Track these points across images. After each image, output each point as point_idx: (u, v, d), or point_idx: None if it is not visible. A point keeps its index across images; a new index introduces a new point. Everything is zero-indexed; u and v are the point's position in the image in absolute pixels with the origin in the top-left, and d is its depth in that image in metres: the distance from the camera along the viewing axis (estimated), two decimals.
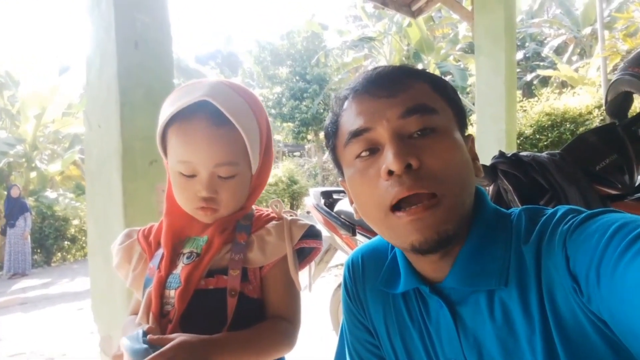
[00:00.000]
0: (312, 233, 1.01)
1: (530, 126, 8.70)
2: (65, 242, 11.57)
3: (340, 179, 0.86)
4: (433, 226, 0.68)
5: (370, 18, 19.12)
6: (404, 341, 0.84)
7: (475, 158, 0.78)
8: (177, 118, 0.92)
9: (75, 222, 11.56)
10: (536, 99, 10.62)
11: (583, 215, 0.66)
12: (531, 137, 8.58)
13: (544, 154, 1.72)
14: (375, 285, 0.88)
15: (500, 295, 0.70)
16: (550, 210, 0.72)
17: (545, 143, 8.37)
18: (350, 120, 0.75)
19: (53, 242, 11.23)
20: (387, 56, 16.97)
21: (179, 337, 0.82)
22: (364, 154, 0.73)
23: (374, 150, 0.73)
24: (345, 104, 0.78)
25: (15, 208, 9.66)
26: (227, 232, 0.98)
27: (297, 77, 21.90)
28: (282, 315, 0.96)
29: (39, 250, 11.12)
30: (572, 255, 0.62)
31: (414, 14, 5.60)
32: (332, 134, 0.81)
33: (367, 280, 0.91)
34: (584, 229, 0.63)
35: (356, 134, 0.73)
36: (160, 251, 0.99)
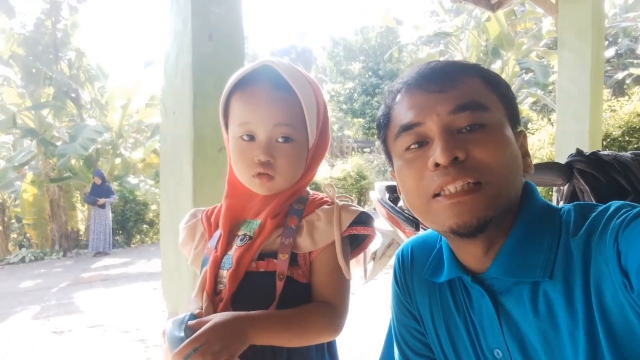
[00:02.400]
0: (362, 220, 1.00)
1: (619, 127, 8.05)
2: (144, 226, 12.30)
3: (390, 169, 0.88)
4: (473, 211, 0.69)
5: (447, 13, 18.58)
6: (448, 330, 0.85)
7: (526, 154, 0.78)
8: (240, 86, 0.97)
9: (154, 207, 12.24)
10: (627, 98, 9.84)
11: (637, 209, 0.64)
12: (619, 139, 7.95)
13: (627, 153, 1.59)
14: (422, 275, 0.90)
15: (545, 288, 0.70)
16: (602, 206, 0.71)
17: (635, 146, 7.73)
18: (402, 113, 0.77)
19: (133, 225, 11.97)
20: (463, 52, 16.41)
21: (213, 319, 0.84)
22: (413, 146, 0.75)
23: (422, 143, 0.74)
24: (398, 97, 0.80)
25: (102, 191, 10.39)
26: (279, 216, 0.99)
27: (370, 73, 21.82)
28: (327, 300, 0.96)
29: (120, 232, 11.89)
30: (624, 250, 0.61)
31: (493, 7, 5.37)
32: (384, 126, 0.83)
33: (415, 270, 0.93)
34: (637, 223, 0.62)
35: (407, 127, 0.75)
36: (219, 232, 1.03)
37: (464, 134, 0.71)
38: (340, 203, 1.02)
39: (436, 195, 0.72)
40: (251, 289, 0.94)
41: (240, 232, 1.00)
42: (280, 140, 0.96)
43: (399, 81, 0.81)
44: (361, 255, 1.09)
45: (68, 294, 6.58)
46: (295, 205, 1.02)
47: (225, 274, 0.96)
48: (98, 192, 10.36)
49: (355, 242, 1.03)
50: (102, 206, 10.31)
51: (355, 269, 1.09)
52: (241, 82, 0.96)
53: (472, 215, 0.69)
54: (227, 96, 0.99)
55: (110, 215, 10.67)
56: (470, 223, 0.70)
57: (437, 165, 0.70)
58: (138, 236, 12.34)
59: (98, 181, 10.39)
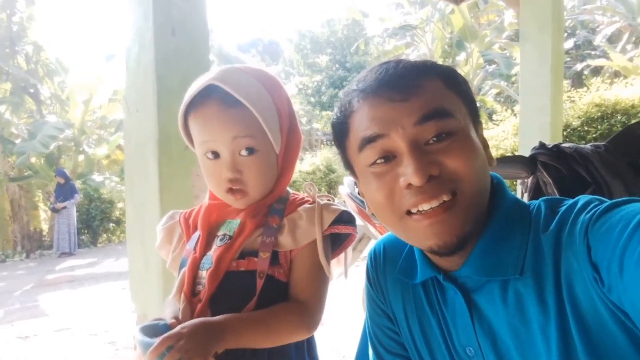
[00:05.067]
0: (344, 219, 1.00)
1: (578, 117, 8.32)
2: (111, 224, 12.04)
3: (349, 172, 0.85)
4: (452, 229, 0.69)
5: (412, 5, 18.72)
6: (422, 328, 0.85)
7: (486, 146, 0.77)
8: (193, 106, 0.95)
9: (120, 205, 11.99)
10: (585, 89, 10.16)
11: (606, 204, 0.65)
12: (579, 129, 8.22)
13: (587, 146, 1.64)
14: (395, 274, 0.89)
15: (515, 284, 0.70)
16: (571, 200, 0.71)
17: (593, 135, 7.99)
18: (363, 124, 0.73)
19: (99, 224, 11.70)
20: (428, 44, 16.60)
21: (181, 325, 0.83)
22: (379, 161, 0.72)
23: (389, 157, 0.72)
24: (355, 104, 0.75)
25: (67, 191, 10.10)
26: (259, 216, 0.99)
27: (337, 65, 21.85)
28: (302, 298, 0.96)
29: (85, 231, 11.61)
30: (594, 244, 0.62)
31: (457, 0, 5.44)
32: (342, 134, 0.80)
33: (387, 269, 0.93)
34: (607, 218, 0.62)
35: (370, 140, 0.72)
36: (197, 233, 1.02)
37: (432, 145, 0.69)
38: (322, 202, 1.01)
39: (410, 212, 0.70)
40: (231, 289, 0.93)
41: (220, 232, 1.00)
42: (244, 153, 0.95)
43: (355, 86, 0.77)
44: (342, 255, 1.09)
45: (32, 296, 6.38)
46: (275, 205, 1.01)
47: (204, 274, 0.95)
48: (63, 192, 10.06)
49: (337, 242, 1.03)
50: (62, 206, 10.02)
51: (336, 268, 1.10)
52: (193, 101, 0.94)
53: (452, 234, 0.69)
54: (184, 116, 0.98)
55: (75, 214, 10.38)
56: (450, 242, 0.69)
57: (410, 184, 0.68)
58: (105, 235, 12.08)
59: (61, 181, 10.12)
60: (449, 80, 0.74)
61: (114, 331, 4.56)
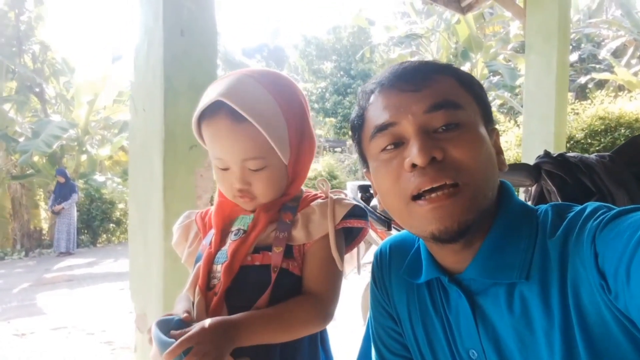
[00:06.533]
0: (356, 213, 1.01)
1: (582, 130, 8.32)
2: (111, 225, 12.02)
3: (365, 170, 0.88)
4: (454, 215, 0.69)
5: (418, 14, 18.81)
6: (426, 330, 0.85)
7: (499, 152, 0.79)
8: (205, 115, 0.96)
9: (121, 205, 11.98)
10: (589, 101, 10.17)
11: (614, 211, 0.65)
12: (582, 141, 8.21)
13: (592, 156, 1.64)
14: (400, 275, 0.90)
15: (521, 289, 0.70)
16: (579, 207, 0.72)
17: (597, 148, 7.98)
18: (376, 114, 0.77)
19: (99, 224, 11.68)
20: (433, 54, 16.66)
21: (199, 324, 0.83)
22: (388, 147, 0.75)
23: (398, 144, 0.74)
24: (372, 98, 0.79)
25: (67, 190, 10.10)
26: (273, 210, 1.01)
27: (342, 72, 21.90)
28: (315, 291, 0.97)
29: (85, 231, 11.58)
30: (602, 251, 0.62)
31: (463, 10, 5.45)
32: (359, 127, 0.83)
33: (392, 269, 0.93)
34: (615, 225, 0.62)
35: (382, 128, 0.75)
36: (213, 230, 1.03)
37: (440, 133, 0.71)
38: (334, 197, 1.03)
39: (415, 197, 0.71)
40: (246, 282, 0.95)
41: (234, 228, 1.02)
42: (252, 168, 0.97)
43: (372, 82, 0.81)
44: (354, 252, 1.10)
45: (30, 295, 6.37)
46: (289, 204, 1.03)
47: (219, 268, 0.96)
48: (63, 191, 10.06)
49: (349, 237, 1.05)
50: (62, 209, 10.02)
51: (349, 265, 1.11)
52: (204, 112, 0.95)
53: (453, 220, 0.69)
54: (197, 123, 1.00)
55: (75, 214, 10.37)
56: (451, 228, 0.70)
57: (414, 166, 0.70)
58: (104, 235, 12.05)
59: (62, 180, 10.10)
60: (462, 80, 0.77)
61: (111, 331, 4.55)
